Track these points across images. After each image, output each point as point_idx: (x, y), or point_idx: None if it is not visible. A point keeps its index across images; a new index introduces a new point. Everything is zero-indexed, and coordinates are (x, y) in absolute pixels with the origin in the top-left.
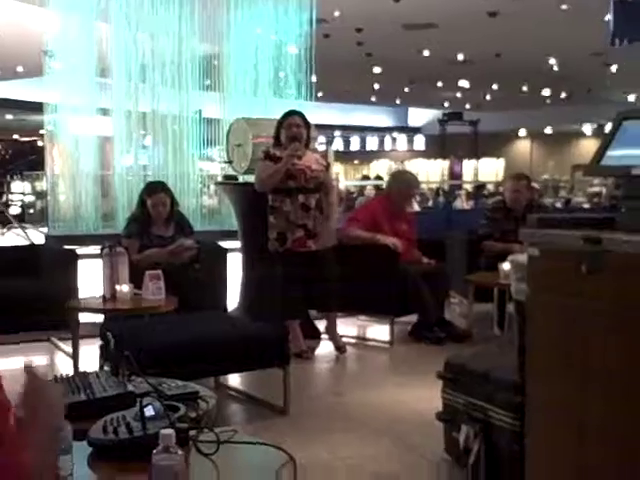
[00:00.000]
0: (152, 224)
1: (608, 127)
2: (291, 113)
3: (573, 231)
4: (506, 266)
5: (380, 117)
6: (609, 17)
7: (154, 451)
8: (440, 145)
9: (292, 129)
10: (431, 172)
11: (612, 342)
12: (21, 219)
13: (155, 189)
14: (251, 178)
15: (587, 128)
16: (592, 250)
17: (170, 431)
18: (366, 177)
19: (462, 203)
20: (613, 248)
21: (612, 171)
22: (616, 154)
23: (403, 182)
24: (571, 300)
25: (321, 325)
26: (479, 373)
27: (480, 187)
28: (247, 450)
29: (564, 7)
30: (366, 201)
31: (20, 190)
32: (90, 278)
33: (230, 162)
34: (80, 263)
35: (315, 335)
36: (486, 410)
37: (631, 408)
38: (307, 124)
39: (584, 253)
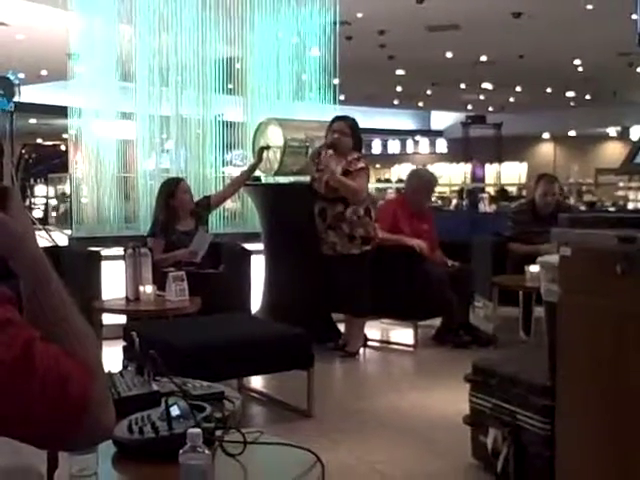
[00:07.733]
0: (177, 221)
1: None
2: (336, 119)
3: (607, 230)
4: (533, 269)
5: (402, 120)
6: (636, 16)
7: (181, 450)
8: (463, 148)
9: (333, 135)
10: (453, 175)
11: None
12: (44, 222)
13: (176, 179)
14: (281, 180)
15: (612, 131)
16: (627, 250)
17: (198, 430)
18: (388, 180)
19: (485, 206)
20: None
21: None
22: None
23: (420, 179)
24: (604, 301)
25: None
26: (508, 376)
27: (503, 191)
28: (273, 451)
29: (589, 7)
30: (385, 202)
31: (43, 193)
32: (113, 280)
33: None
34: (103, 265)
35: (336, 337)
36: (515, 413)
37: None
38: (353, 130)
39: (618, 253)
